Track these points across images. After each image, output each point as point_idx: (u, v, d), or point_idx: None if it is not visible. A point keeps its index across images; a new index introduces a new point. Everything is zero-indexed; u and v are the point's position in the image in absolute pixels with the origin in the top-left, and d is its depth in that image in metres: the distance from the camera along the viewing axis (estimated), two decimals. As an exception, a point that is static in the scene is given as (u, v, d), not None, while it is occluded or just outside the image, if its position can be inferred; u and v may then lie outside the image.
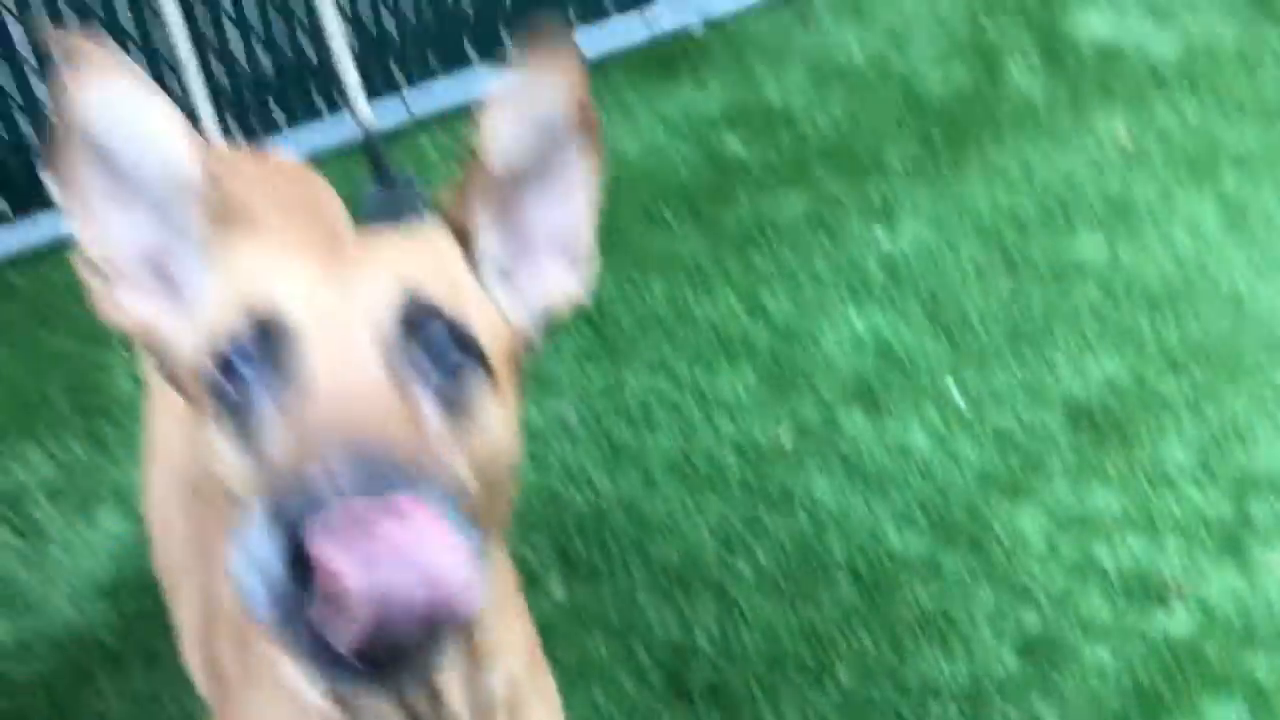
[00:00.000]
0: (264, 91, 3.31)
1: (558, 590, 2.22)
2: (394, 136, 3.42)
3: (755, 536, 2.31)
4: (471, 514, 0.75)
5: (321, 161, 3.06)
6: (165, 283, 0.91)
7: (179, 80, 2.93)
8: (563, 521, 2.36)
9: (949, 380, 2.58)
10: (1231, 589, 2.19)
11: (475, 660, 0.96)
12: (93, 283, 0.89)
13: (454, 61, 3.61)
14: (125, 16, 3.01)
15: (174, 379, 0.91)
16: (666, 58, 3.77)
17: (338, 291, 0.83)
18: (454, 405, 0.82)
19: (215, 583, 1.18)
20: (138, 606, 2.17)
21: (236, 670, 1.12)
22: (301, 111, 3.41)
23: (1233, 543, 2.26)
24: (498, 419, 0.86)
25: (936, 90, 3.51)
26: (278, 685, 0.97)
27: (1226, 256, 2.86)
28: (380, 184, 3.13)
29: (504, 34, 3.67)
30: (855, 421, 2.53)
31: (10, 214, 3.03)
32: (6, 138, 2.97)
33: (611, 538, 2.32)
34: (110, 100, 0.85)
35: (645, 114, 3.53)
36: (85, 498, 2.39)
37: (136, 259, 0.90)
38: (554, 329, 0.98)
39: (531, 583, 2.23)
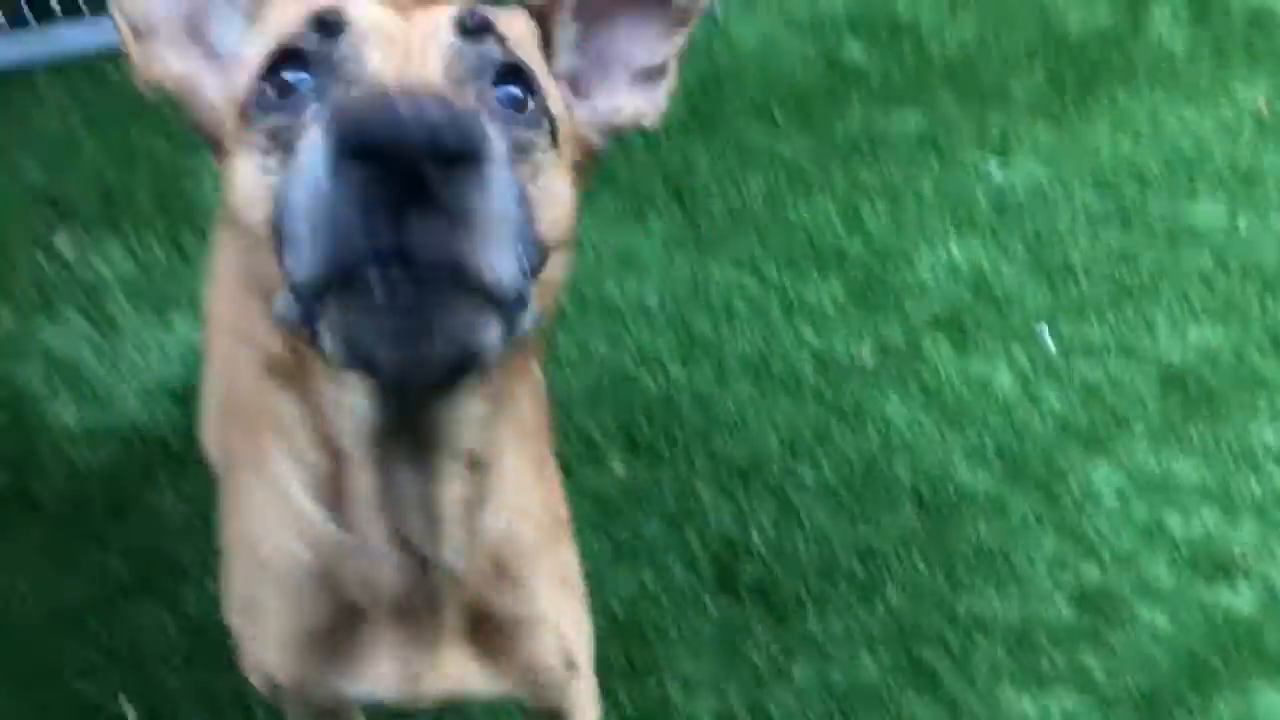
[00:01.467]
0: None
1: (619, 468, 2.20)
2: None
3: (822, 447, 2.27)
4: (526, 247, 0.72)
5: None
6: (200, 41, 0.89)
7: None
8: (631, 402, 2.33)
9: (1042, 324, 2.50)
10: (1299, 578, 2.13)
11: (477, 493, 0.92)
12: (130, 41, 0.88)
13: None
14: None
15: (204, 130, 0.89)
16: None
17: (397, 12, 0.80)
18: (518, 147, 0.77)
19: (239, 367, 1.16)
20: (203, 413, 2.18)
21: (243, 453, 1.11)
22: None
23: (1308, 533, 2.19)
24: (559, 184, 0.82)
25: (1075, 26, 3.36)
26: (274, 481, 0.96)
27: (1351, 244, 2.74)
28: None
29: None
30: (940, 350, 2.46)
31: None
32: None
33: (678, 425, 2.29)
34: None
35: (766, 5, 3.41)
36: (162, 300, 2.39)
37: (175, 20, 0.89)
38: (619, 139, 0.96)
39: (594, 457, 2.21)
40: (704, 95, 3.03)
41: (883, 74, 3.19)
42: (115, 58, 2.97)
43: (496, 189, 0.66)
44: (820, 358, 2.45)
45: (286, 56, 0.77)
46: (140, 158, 2.68)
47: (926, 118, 3.06)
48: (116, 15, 0.87)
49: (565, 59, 0.92)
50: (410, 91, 0.67)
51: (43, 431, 2.13)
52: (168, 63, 0.88)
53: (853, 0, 3.44)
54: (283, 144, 0.74)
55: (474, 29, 0.79)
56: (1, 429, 2.13)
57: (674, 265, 2.64)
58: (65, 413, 2.17)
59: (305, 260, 0.67)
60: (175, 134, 2.73)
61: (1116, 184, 2.89)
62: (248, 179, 0.76)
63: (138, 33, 0.88)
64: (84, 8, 2.93)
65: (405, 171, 0.63)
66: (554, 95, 0.87)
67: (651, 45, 0.94)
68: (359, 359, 0.70)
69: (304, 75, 0.77)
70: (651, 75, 0.95)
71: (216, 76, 0.87)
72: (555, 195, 0.81)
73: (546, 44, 0.91)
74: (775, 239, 2.70)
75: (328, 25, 0.76)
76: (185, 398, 2.20)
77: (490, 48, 0.80)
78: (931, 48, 3.28)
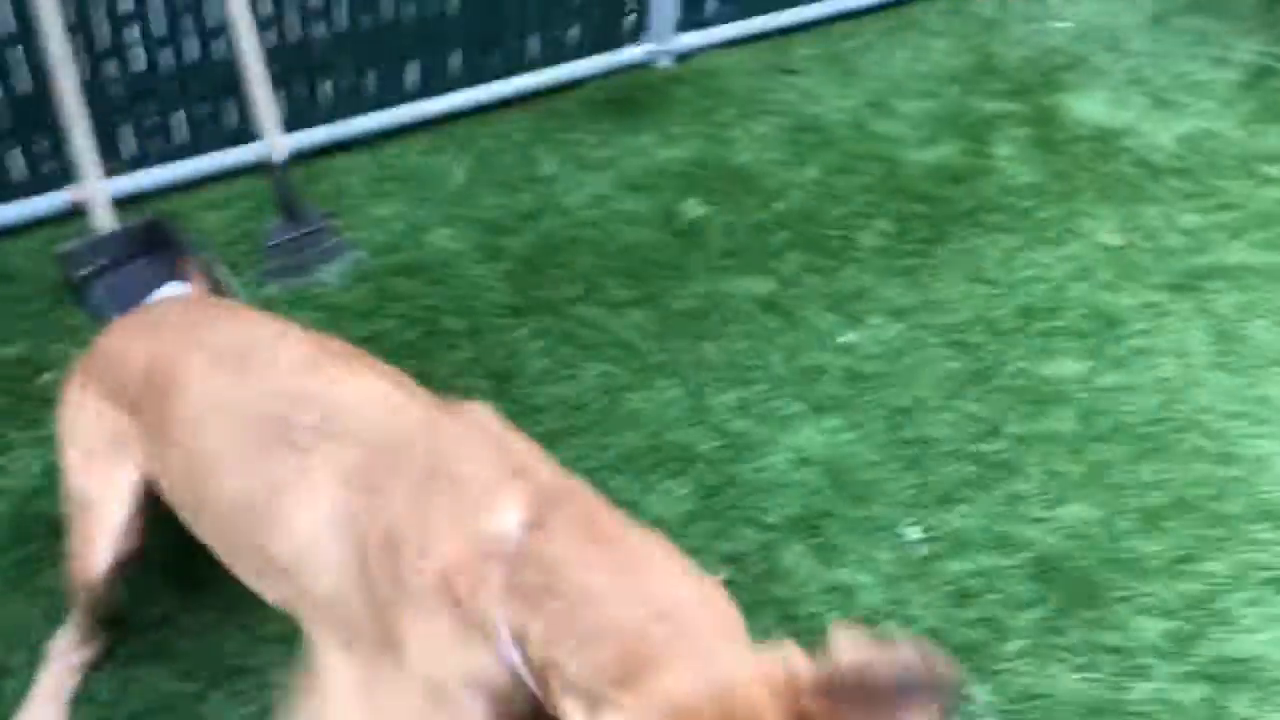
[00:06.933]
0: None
1: None
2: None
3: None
4: None
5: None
6: None
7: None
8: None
9: (906, 524, 2.31)
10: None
11: None
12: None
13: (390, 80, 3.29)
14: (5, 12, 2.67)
15: None
16: (628, 96, 3.48)
17: None
18: None
19: None
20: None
21: None
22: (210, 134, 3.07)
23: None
24: None
25: (918, 165, 3.24)
26: None
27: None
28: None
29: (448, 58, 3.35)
30: (799, 560, 2.24)
31: None
32: None
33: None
34: None
35: (599, 163, 3.23)
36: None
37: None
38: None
39: None
40: (532, 273, 2.81)
41: (725, 232, 3.02)
42: None
43: None
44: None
45: None
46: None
47: (774, 280, 2.88)
48: None
49: None
50: None
51: None
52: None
53: (691, 150, 3.29)
54: None
55: None
56: None
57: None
58: None
59: None
60: None
61: (972, 340, 2.74)
62: None
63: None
64: None
65: None
66: None
67: None
68: None
69: None
70: None
71: None
72: None
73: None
74: (615, 437, 2.47)
75: None
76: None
77: None
78: (773, 199, 3.13)
